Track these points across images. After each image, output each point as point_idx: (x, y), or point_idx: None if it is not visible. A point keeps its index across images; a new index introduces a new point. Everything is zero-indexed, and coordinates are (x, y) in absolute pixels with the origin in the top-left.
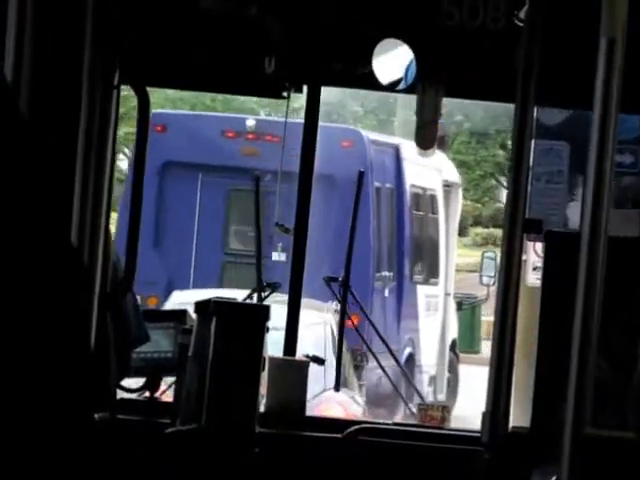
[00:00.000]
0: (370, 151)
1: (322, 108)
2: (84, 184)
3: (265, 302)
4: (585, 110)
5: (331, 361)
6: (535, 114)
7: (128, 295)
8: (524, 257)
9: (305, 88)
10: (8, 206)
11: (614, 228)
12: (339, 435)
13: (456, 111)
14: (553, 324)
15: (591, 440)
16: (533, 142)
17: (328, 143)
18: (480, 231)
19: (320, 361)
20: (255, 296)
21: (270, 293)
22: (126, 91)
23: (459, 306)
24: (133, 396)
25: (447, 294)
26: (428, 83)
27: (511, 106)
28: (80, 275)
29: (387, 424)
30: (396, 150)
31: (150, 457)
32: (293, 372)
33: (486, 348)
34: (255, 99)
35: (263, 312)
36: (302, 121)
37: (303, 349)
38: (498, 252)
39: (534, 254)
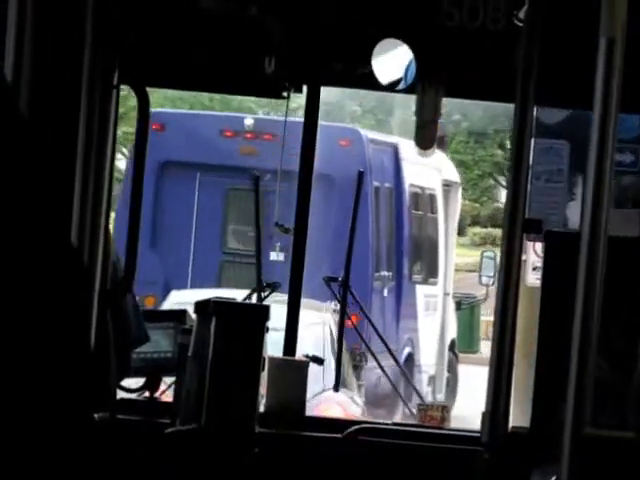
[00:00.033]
0: (369, 150)
1: (321, 108)
2: (84, 184)
3: (264, 302)
4: (585, 110)
5: (330, 361)
6: (535, 113)
7: (128, 295)
8: (524, 257)
9: (305, 88)
10: (8, 206)
11: (614, 228)
12: (339, 435)
13: (454, 111)
14: (553, 324)
15: (591, 440)
16: (533, 141)
17: (326, 142)
18: (478, 231)
19: (319, 361)
20: (255, 296)
21: (270, 293)
22: (125, 91)
23: (458, 306)
24: (133, 396)
25: (446, 294)
26: (428, 83)
27: (510, 106)
28: (80, 275)
29: (387, 424)
30: (395, 149)
31: (150, 457)
32: (293, 372)
33: (485, 348)
34: (253, 98)
35: (263, 312)
36: (301, 120)
37: (302, 349)
38: (496, 252)
39: (534, 254)
